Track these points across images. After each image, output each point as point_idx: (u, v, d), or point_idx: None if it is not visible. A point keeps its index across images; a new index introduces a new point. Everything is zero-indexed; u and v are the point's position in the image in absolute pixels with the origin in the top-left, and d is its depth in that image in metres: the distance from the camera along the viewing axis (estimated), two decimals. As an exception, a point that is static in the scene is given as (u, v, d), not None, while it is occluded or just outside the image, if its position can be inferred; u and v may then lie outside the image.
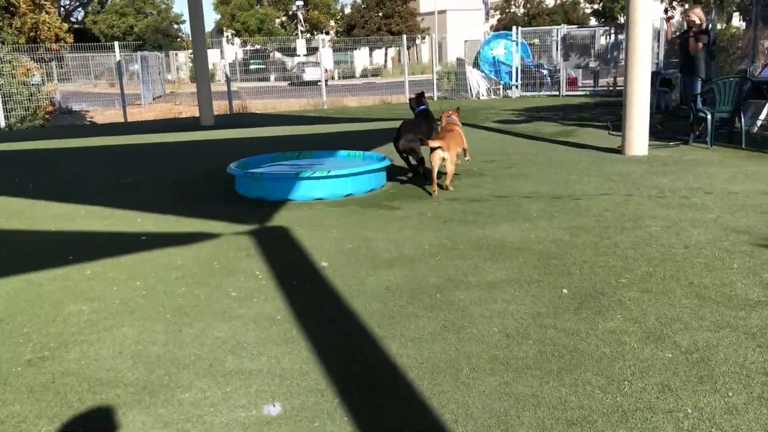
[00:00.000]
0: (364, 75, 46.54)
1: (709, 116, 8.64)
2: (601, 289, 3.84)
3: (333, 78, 41.85)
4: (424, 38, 53.02)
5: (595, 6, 57.40)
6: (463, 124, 7.41)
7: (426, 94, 8.03)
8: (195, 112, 18.45)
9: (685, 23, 10.15)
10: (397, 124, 7.45)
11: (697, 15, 9.40)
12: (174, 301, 3.95)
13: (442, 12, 56.20)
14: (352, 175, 6.69)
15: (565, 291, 3.83)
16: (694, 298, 3.67)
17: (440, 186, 6.59)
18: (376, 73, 48.01)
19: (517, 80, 20.49)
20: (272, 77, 34.67)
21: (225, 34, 48.73)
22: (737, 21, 25.53)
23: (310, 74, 34.99)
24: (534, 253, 4.57)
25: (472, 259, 4.51)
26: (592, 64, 20.56)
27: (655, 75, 14.62)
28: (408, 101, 8.11)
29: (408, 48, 54.36)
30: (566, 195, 6.38)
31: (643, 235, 4.89)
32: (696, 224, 5.14)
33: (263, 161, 7.88)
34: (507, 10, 55.76)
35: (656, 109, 13.89)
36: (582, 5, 56.51)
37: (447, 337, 3.28)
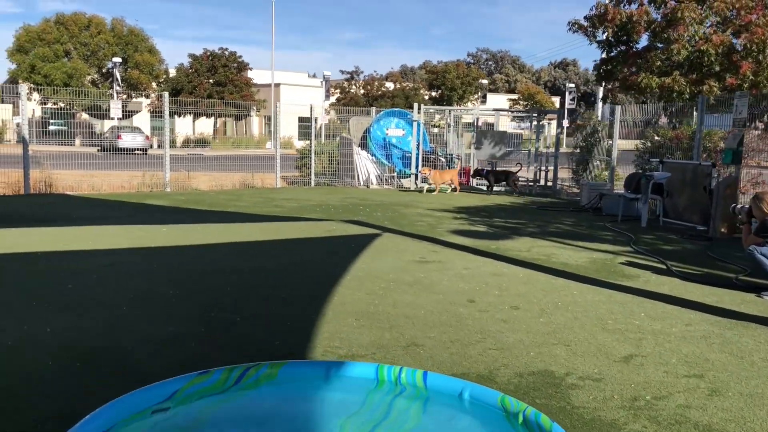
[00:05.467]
0: (186, 145, 40.46)
1: None
2: None
3: (152, 146, 35.86)
4: (259, 110, 48.61)
5: (434, 93, 57.28)
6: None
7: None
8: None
9: None
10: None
11: None
12: None
13: (277, 85, 52.75)
14: None
15: None
16: None
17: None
18: (202, 143, 42.11)
19: (417, 168, 16.67)
20: (77, 141, 28.37)
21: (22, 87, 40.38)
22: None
23: (127, 141, 29.30)
24: None
25: None
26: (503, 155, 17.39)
27: (641, 177, 11.38)
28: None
29: (239, 118, 49.52)
30: None
31: None
32: None
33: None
34: (348, 90, 53.34)
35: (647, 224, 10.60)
36: (422, 91, 55.80)
37: None
